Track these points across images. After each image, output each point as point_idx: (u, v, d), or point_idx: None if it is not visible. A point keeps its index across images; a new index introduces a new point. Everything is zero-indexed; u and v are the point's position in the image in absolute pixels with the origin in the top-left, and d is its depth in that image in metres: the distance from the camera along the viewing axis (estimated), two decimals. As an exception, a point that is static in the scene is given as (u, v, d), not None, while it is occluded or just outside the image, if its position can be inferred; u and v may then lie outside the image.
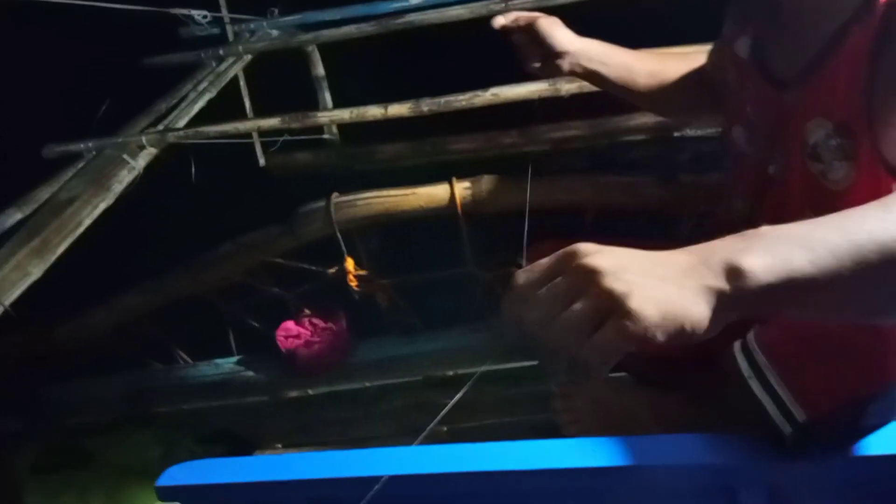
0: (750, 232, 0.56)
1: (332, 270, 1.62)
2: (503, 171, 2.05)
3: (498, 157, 2.71)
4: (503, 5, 2.40)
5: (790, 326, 0.85)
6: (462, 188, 1.63)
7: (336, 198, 1.64)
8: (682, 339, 0.52)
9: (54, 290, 1.82)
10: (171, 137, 2.22)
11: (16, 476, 1.23)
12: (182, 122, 2.36)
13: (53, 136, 2.32)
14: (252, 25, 2.75)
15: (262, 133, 2.78)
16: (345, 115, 2.16)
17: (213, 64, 2.62)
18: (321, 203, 1.65)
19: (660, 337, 0.52)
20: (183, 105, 2.44)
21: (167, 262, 1.84)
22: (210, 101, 2.50)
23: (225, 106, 2.59)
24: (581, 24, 1.33)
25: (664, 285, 0.53)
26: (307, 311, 1.62)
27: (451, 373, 1.46)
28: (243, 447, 1.37)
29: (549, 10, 1.45)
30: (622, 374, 1.24)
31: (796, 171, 0.93)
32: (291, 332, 1.54)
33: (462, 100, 2.08)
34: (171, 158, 2.31)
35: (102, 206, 2.06)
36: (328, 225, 1.60)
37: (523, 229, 1.06)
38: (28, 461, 1.26)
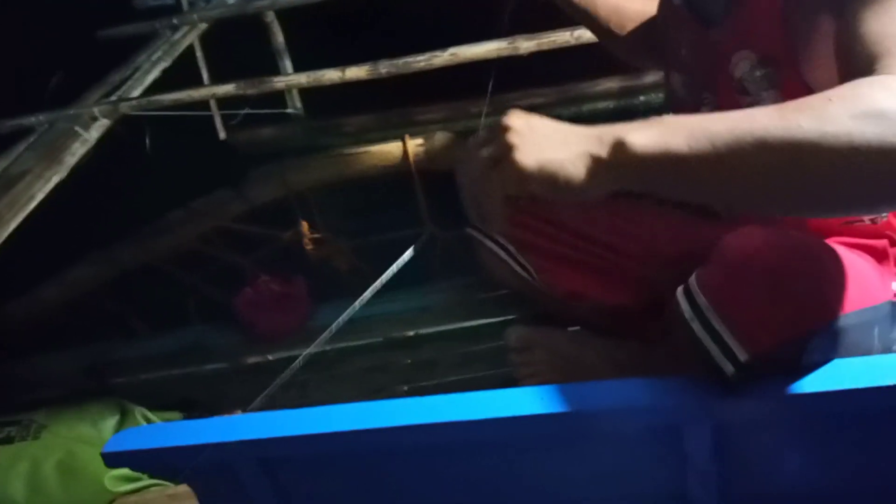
0: (654, 117, 0.63)
1: (287, 234, 1.60)
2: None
3: (466, 129, 2.69)
4: (462, -34, 2.36)
5: (729, 264, 0.84)
6: (415, 145, 1.61)
7: (288, 159, 1.61)
8: (558, 193, 0.62)
9: (6, 267, 1.79)
10: (125, 108, 2.18)
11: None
12: (136, 93, 2.31)
13: (5, 110, 2.26)
14: (206, -8, 2.69)
15: (223, 106, 2.73)
16: (301, 79, 2.13)
17: (169, 34, 2.56)
18: (273, 165, 1.62)
19: (535, 185, 0.62)
20: (137, 75, 2.39)
21: (123, 235, 1.80)
22: (168, 76, 2.45)
23: (183, 80, 2.53)
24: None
25: (553, 146, 0.62)
26: (264, 277, 1.60)
27: (411, 333, 1.45)
28: (203, 415, 1.35)
29: None
30: (577, 328, 1.23)
31: (728, 109, 0.94)
32: (249, 299, 1.52)
33: (421, 60, 2.05)
34: (128, 132, 2.26)
35: (55, 180, 2.02)
36: (281, 187, 1.57)
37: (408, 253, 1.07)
38: (-22, 435, 1.23)
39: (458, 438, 0.93)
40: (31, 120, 2.23)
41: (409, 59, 2.06)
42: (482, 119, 1.07)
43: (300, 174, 1.61)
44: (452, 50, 2.03)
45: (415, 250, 0.81)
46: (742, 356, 0.78)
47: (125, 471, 1.19)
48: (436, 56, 2.04)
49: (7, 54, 2.49)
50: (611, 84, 2.60)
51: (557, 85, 2.60)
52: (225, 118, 2.77)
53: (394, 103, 2.63)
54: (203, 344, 1.58)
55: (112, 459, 0.95)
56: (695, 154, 0.59)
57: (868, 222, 0.96)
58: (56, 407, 1.31)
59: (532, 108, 2.27)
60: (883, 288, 0.85)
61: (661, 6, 1.09)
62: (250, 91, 2.16)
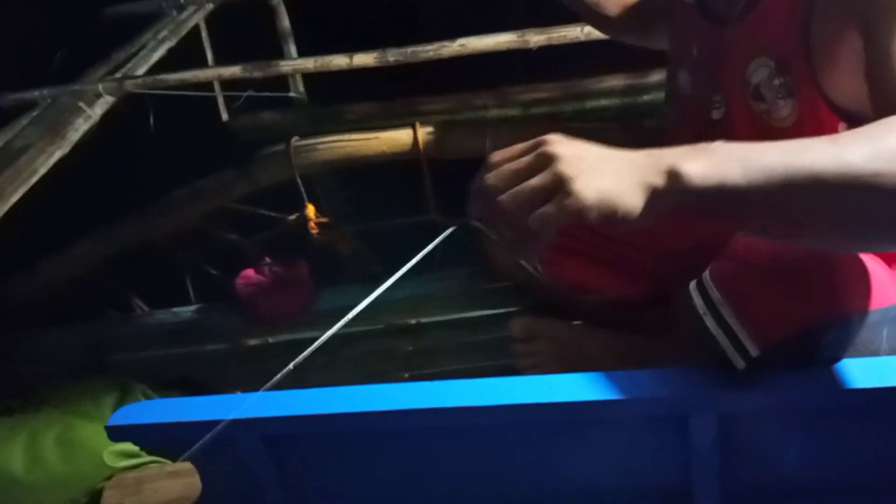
0: (703, 144, 0.62)
1: (292, 217, 1.59)
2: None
3: (469, 120, 2.68)
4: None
5: (745, 260, 0.85)
6: (425, 132, 1.61)
7: (296, 141, 1.60)
8: (614, 223, 0.61)
9: (8, 241, 1.78)
10: (129, 86, 2.16)
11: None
12: (141, 71, 2.29)
13: (9, 85, 2.25)
14: (214, -27, 2.67)
15: (226, 88, 2.71)
16: (308, 64, 2.12)
17: (175, 13, 2.55)
18: (280, 146, 1.62)
19: (593, 217, 0.61)
20: (142, 53, 2.38)
21: (121, 211, 1.79)
22: (173, 55, 2.43)
23: (189, 61, 2.52)
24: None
25: (608, 176, 0.61)
26: (267, 259, 1.59)
27: (413, 321, 1.45)
28: (202, 393, 1.35)
29: None
30: (580, 320, 1.24)
31: (740, 113, 0.93)
32: (251, 280, 1.52)
33: (429, 50, 2.04)
34: (131, 111, 2.25)
35: (58, 155, 2.01)
36: (287, 169, 1.57)
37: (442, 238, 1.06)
38: (-22, 406, 1.23)
39: (460, 424, 0.93)
40: (35, 95, 2.21)
41: (418, 48, 2.05)
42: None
43: (307, 157, 1.61)
44: (461, 41, 2.03)
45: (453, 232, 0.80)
46: (753, 351, 0.79)
47: (125, 446, 1.19)
48: (444, 46, 2.03)
49: (12, 29, 2.48)
50: (616, 81, 2.59)
51: (562, 80, 2.60)
52: (228, 100, 2.76)
53: (397, 92, 2.63)
54: (203, 324, 1.57)
55: (116, 433, 0.95)
56: (749, 187, 0.59)
57: None
58: (57, 382, 1.30)
59: (535, 103, 2.27)
60: (893, 290, 0.86)
61: (671, 3, 1.07)
62: (257, 74, 2.15)
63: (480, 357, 1.33)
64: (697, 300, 0.87)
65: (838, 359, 0.81)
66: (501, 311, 1.38)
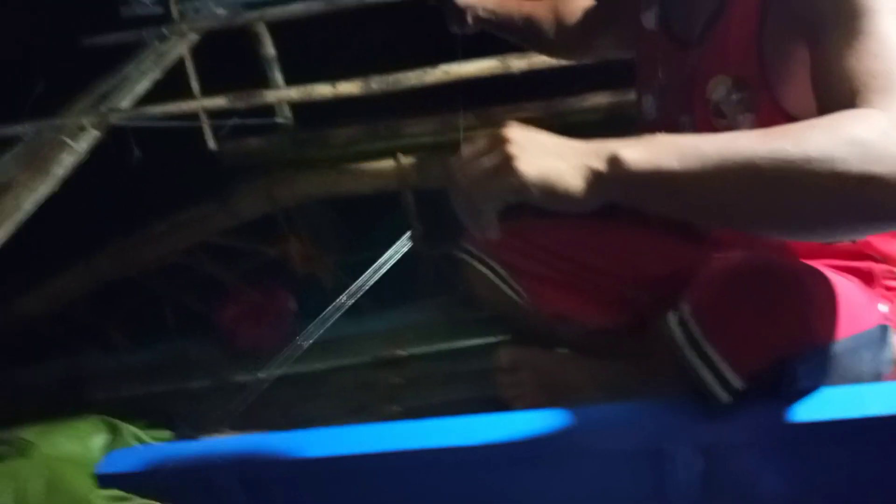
0: (647, 136, 0.66)
1: (273, 249, 1.59)
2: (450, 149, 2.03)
3: (455, 142, 2.69)
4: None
5: (719, 293, 0.85)
6: (408, 163, 1.61)
7: (277, 174, 1.60)
8: (554, 200, 0.65)
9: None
10: (114, 118, 2.16)
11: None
12: (125, 104, 2.29)
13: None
14: (197, 3, 2.68)
15: (212, 116, 2.72)
16: (292, 93, 2.14)
17: (157, 43, 2.55)
18: (261, 180, 1.61)
19: (534, 192, 0.64)
20: (125, 86, 2.38)
21: (106, 246, 1.78)
22: (158, 86, 2.43)
23: (173, 89, 2.52)
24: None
25: (553, 158, 0.65)
26: (247, 290, 1.59)
27: (399, 352, 1.44)
28: (189, 432, 1.34)
29: None
30: (564, 350, 1.24)
31: (705, 131, 0.95)
32: (231, 312, 1.51)
33: (412, 77, 2.06)
34: (114, 141, 2.25)
35: (43, 190, 2.00)
36: (268, 202, 1.57)
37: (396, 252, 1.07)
38: (-40, 452, 1.21)
39: (441, 462, 0.93)
40: (17, 129, 2.21)
41: (401, 75, 2.07)
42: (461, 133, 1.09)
43: (288, 189, 1.61)
44: (444, 67, 2.04)
45: (400, 247, 0.81)
46: (736, 382, 0.79)
47: (114, 490, 1.18)
48: (427, 73, 2.05)
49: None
50: (599, 99, 2.60)
51: (545, 99, 2.62)
52: (214, 127, 2.76)
53: (382, 114, 2.64)
54: (185, 357, 1.57)
55: (105, 480, 0.94)
56: (684, 172, 0.63)
57: (847, 241, 0.97)
58: (43, 423, 1.29)
59: (520, 122, 2.27)
60: (870, 312, 0.86)
61: (634, 30, 1.10)
62: (240, 104, 2.16)
63: (465, 388, 1.32)
64: (677, 332, 0.87)
65: (820, 387, 0.82)
66: (486, 341, 1.37)
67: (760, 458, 0.85)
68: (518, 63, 2.00)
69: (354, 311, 1.55)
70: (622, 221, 1.29)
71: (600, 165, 0.65)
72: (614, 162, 0.64)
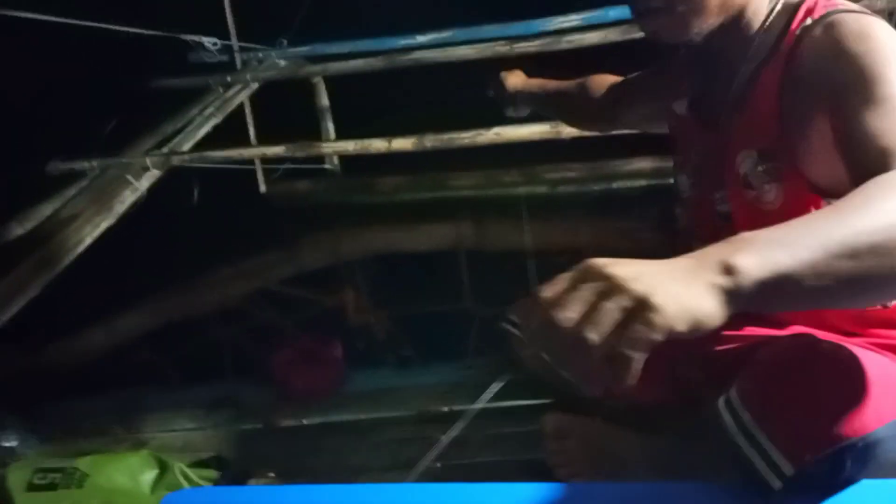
0: (733, 237, 0.65)
1: (330, 299, 1.64)
2: (502, 209, 2.08)
3: (497, 197, 2.76)
4: (508, 47, 2.46)
5: (769, 380, 0.87)
6: (464, 227, 1.66)
7: (340, 230, 1.67)
8: (697, 330, 0.59)
9: (52, 309, 1.84)
10: (176, 160, 2.26)
11: (10, 494, 1.22)
12: (187, 146, 2.39)
13: (58, 154, 2.34)
14: (261, 54, 2.79)
15: (265, 160, 2.81)
16: (349, 146, 2.21)
17: (221, 90, 2.66)
18: (325, 234, 1.68)
19: (680, 328, 0.58)
20: (188, 129, 2.48)
21: (165, 283, 1.85)
22: (215, 128, 2.54)
23: (228, 131, 2.62)
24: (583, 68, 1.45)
25: (676, 285, 0.60)
26: (303, 338, 1.64)
27: (445, 409, 1.47)
28: (236, 473, 1.37)
29: (553, 55, 1.56)
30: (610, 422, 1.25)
31: (736, 203, 1.00)
32: (286, 359, 1.55)
33: (465, 137, 2.12)
34: (174, 180, 2.33)
35: (104, 226, 2.09)
36: (331, 255, 1.62)
37: (521, 269, 1.10)
38: (23, 480, 1.26)
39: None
40: (84, 165, 2.31)
41: (454, 134, 2.13)
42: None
43: (352, 244, 1.67)
44: (497, 129, 2.11)
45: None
46: (787, 470, 0.81)
47: (163, 528, 1.21)
48: (480, 134, 2.11)
49: (65, 98, 2.59)
50: (643, 164, 2.66)
51: (590, 161, 2.67)
52: (266, 171, 2.86)
53: (427, 165, 2.71)
54: (236, 400, 1.61)
55: (161, 519, 0.98)
56: (800, 264, 0.63)
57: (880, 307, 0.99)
58: (96, 456, 1.33)
59: (563, 182, 2.32)
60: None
61: (668, 118, 1.17)
62: (298, 154, 2.24)
63: (510, 450, 1.34)
64: (727, 419, 0.89)
65: (876, 475, 0.83)
66: (533, 402, 1.40)
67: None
68: (569, 130, 2.06)
69: (402, 364, 1.60)
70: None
71: (720, 280, 0.61)
72: (733, 271, 0.62)
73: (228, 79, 2.62)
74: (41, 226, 2.08)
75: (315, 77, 2.83)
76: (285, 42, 2.77)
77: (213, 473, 1.36)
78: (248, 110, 2.81)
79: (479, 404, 0.79)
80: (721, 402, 0.90)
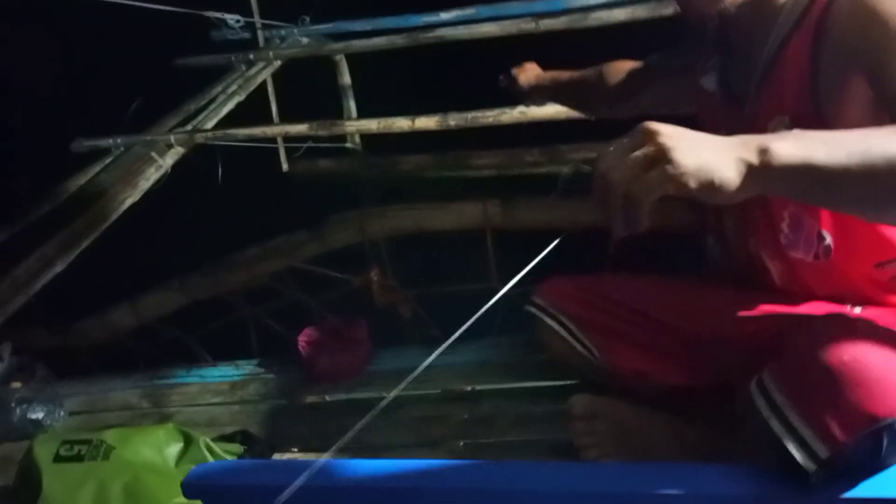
0: (784, 131, 0.74)
1: (356, 279, 1.64)
2: (524, 189, 2.06)
3: (519, 176, 2.73)
4: (534, 24, 2.42)
5: (805, 364, 0.86)
6: (492, 206, 1.65)
7: (367, 208, 1.66)
8: (710, 191, 0.68)
9: (79, 285, 1.85)
10: (200, 138, 2.25)
11: (37, 465, 1.24)
12: (210, 124, 2.39)
13: (82, 131, 2.35)
14: (283, 32, 2.78)
15: (287, 139, 2.81)
16: (372, 125, 2.19)
17: (243, 68, 2.65)
18: (352, 212, 1.67)
19: (692, 184, 0.67)
20: (212, 107, 2.48)
21: (188, 261, 1.86)
22: (238, 106, 2.53)
23: (250, 110, 2.62)
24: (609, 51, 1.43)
25: (706, 150, 0.68)
26: (329, 318, 1.64)
27: (469, 388, 1.47)
28: (262, 448, 1.38)
29: (577, 33, 1.55)
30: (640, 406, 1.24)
31: None
32: (313, 339, 1.55)
33: (489, 116, 2.09)
34: (196, 158, 2.34)
35: (128, 202, 2.09)
36: (358, 234, 1.62)
37: (548, 249, 1.09)
38: (50, 451, 1.27)
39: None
40: (109, 142, 2.31)
41: (478, 113, 2.11)
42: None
43: (378, 223, 1.66)
44: (521, 108, 2.07)
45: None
46: (823, 453, 0.80)
47: (188, 500, 1.22)
48: (504, 112, 2.08)
49: (86, 76, 2.60)
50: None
51: (612, 139, 2.64)
52: (289, 150, 2.86)
53: (448, 144, 2.68)
54: (262, 377, 1.61)
55: (191, 490, 0.98)
56: (833, 164, 0.68)
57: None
58: (122, 429, 1.34)
59: (586, 162, 2.29)
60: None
61: (695, 94, 1.18)
62: (322, 132, 2.23)
63: (537, 430, 1.33)
64: (760, 402, 0.88)
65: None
66: (559, 383, 1.39)
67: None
68: (595, 109, 2.02)
69: (429, 343, 1.59)
70: (702, 281, 1.31)
71: (752, 158, 0.68)
72: (766, 153, 0.68)
73: (251, 56, 2.61)
74: (66, 202, 2.09)
75: (337, 55, 2.81)
76: (307, 19, 2.75)
77: (237, 448, 1.37)
78: (270, 88, 2.80)
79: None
80: (753, 384, 0.89)
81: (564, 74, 1.49)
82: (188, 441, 1.34)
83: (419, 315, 1.65)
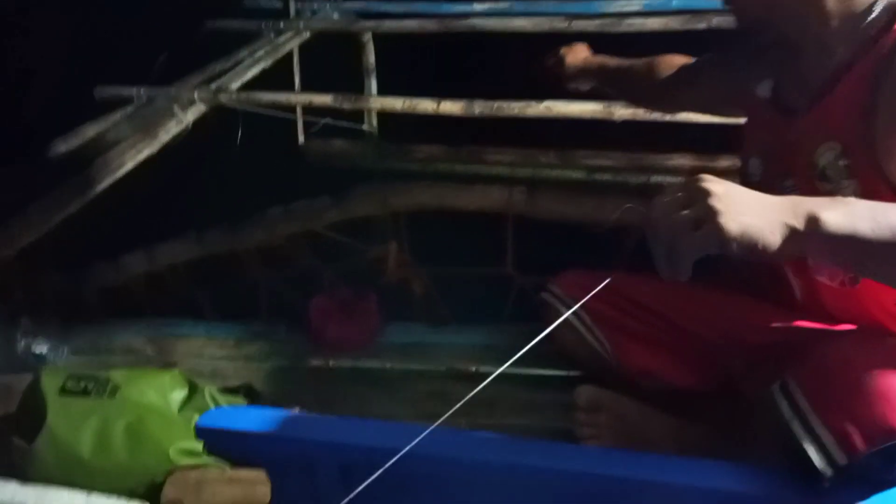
0: (837, 197, 0.76)
1: (372, 250, 1.65)
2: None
3: (531, 177, 2.74)
4: (567, 24, 2.44)
5: (833, 371, 0.88)
6: (518, 192, 1.66)
7: (393, 182, 1.67)
8: (753, 255, 0.71)
9: (92, 230, 1.85)
10: (223, 97, 2.25)
11: (43, 396, 1.24)
12: (234, 86, 2.39)
13: (108, 80, 2.35)
14: (315, 5, 2.78)
15: (306, 112, 2.81)
16: (397, 104, 2.19)
17: (272, 36, 2.65)
18: (377, 184, 1.68)
19: (735, 248, 0.70)
20: (237, 69, 2.48)
21: (207, 218, 1.86)
22: (261, 72, 2.53)
23: (271, 80, 2.62)
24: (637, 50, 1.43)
25: (752, 214, 0.71)
26: (342, 288, 1.64)
27: (473, 368, 1.48)
28: (264, 405, 1.38)
29: (610, 36, 1.56)
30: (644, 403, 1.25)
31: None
32: (323, 307, 1.56)
33: (515, 108, 2.11)
34: (214, 119, 2.34)
35: (146, 153, 2.09)
36: (380, 206, 1.62)
37: (568, 241, 1.10)
38: (56, 384, 1.27)
39: (536, 482, 0.95)
40: (132, 91, 2.31)
41: (503, 103, 2.12)
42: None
43: (402, 198, 1.67)
44: (548, 103, 2.09)
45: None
46: (841, 460, 0.81)
47: (190, 444, 1.22)
48: (530, 105, 2.10)
49: (116, 27, 2.59)
50: (683, 161, 2.63)
51: (629, 151, 2.65)
52: (306, 124, 2.85)
53: (462, 137, 2.69)
54: (270, 338, 1.62)
55: (203, 434, 0.99)
56: (876, 239, 0.71)
57: None
58: (129, 370, 1.34)
59: (600, 170, 2.31)
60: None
61: (746, 99, 1.17)
62: (346, 105, 2.23)
63: (538, 417, 1.34)
64: (783, 404, 0.89)
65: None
66: (564, 373, 1.40)
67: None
68: (622, 111, 2.04)
69: (437, 322, 1.60)
70: (720, 286, 1.32)
71: (799, 224, 0.71)
72: (813, 222, 0.71)
73: (281, 24, 2.61)
74: (84, 146, 2.09)
75: (365, 34, 2.81)
76: (340, -5, 2.75)
77: (241, 401, 1.37)
78: (295, 59, 2.80)
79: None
80: (776, 386, 0.91)
81: (613, 61, 1.48)
82: (193, 389, 1.34)
83: (430, 293, 1.66)
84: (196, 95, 2.24)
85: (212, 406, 1.30)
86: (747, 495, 0.84)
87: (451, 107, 2.14)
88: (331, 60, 2.96)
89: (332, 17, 2.74)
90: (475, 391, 0.86)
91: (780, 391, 0.91)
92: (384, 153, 2.88)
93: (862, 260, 0.74)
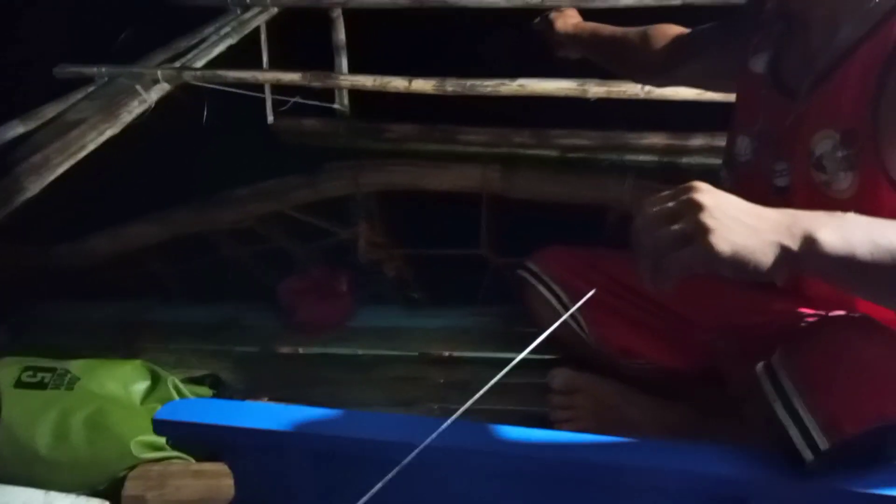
0: (837, 213, 0.69)
1: (345, 231, 1.61)
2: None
3: (505, 155, 2.71)
4: (539, 0, 2.40)
5: (821, 354, 0.86)
6: (492, 170, 1.62)
7: (365, 160, 1.62)
8: (743, 275, 0.66)
9: (54, 212, 1.79)
10: (188, 76, 2.19)
11: (-3, 388, 1.18)
12: (200, 64, 2.32)
13: (67, 58, 2.27)
14: (283, -22, 2.71)
15: (275, 91, 2.74)
16: (367, 81, 2.15)
17: (238, 11, 2.58)
18: (348, 162, 1.63)
19: (725, 271, 0.65)
20: (202, 46, 2.41)
21: (172, 198, 1.81)
22: (228, 51, 2.47)
23: (239, 58, 2.54)
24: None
25: (745, 233, 0.65)
26: (313, 268, 1.60)
27: (446, 353, 1.45)
28: (231, 393, 1.34)
29: (587, 11, 1.50)
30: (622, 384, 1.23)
31: (800, 182, 0.96)
32: (294, 288, 1.51)
33: (488, 86, 2.07)
34: (180, 98, 2.27)
35: (108, 133, 2.03)
36: (351, 185, 1.58)
37: (543, 222, 1.06)
38: (11, 375, 1.21)
39: (507, 469, 0.93)
40: (93, 70, 2.24)
41: (476, 81, 2.08)
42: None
43: (374, 177, 1.62)
44: (521, 81, 2.06)
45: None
46: (823, 445, 0.79)
47: (152, 438, 1.18)
48: (504, 84, 2.06)
49: (76, 7, 2.50)
50: (657, 140, 2.62)
51: (602, 130, 2.63)
52: (275, 103, 2.79)
53: (435, 116, 2.65)
54: (238, 322, 1.57)
55: (162, 426, 0.95)
56: (874, 263, 0.66)
57: None
58: (89, 360, 1.29)
59: (574, 149, 2.29)
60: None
61: (739, 73, 1.11)
62: (315, 83, 2.18)
63: (512, 400, 1.32)
64: (767, 386, 0.87)
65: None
66: (540, 356, 1.37)
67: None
68: (596, 89, 2.01)
69: (410, 305, 1.57)
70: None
71: (794, 244, 0.66)
72: (809, 243, 0.66)
73: (248, 0, 2.54)
74: (44, 126, 2.02)
75: (335, 10, 2.75)
76: (309, -32, 2.68)
77: (206, 391, 1.33)
78: (263, 36, 2.73)
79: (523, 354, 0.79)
80: (760, 367, 0.88)
81: (606, 29, 1.38)
82: (156, 379, 1.30)
83: (403, 275, 1.62)
84: (160, 74, 2.18)
85: (175, 397, 1.26)
86: (730, 478, 0.82)
87: (423, 85, 2.10)
88: (300, 37, 2.89)
89: (301, -8, 2.67)
90: (494, 380, 0.80)
91: (765, 372, 0.89)
92: (356, 132, 2.83)
93: (858, 283, 0.71)
